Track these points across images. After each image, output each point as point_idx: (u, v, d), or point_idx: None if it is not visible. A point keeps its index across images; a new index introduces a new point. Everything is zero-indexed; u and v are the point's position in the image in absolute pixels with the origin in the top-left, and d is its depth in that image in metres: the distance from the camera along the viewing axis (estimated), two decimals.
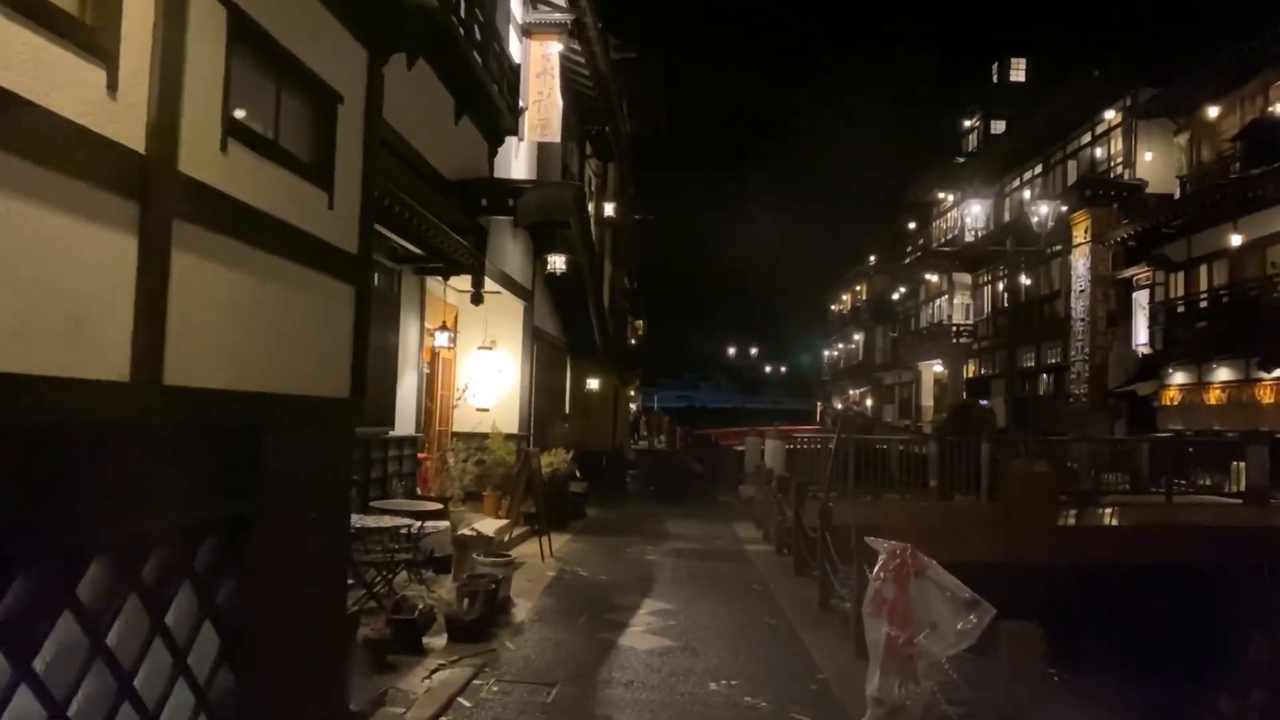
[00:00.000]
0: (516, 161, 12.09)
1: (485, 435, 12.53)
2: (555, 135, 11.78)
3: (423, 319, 10.28)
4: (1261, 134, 19.15)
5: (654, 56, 22.58)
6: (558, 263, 12.34)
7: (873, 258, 51.43)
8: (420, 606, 6.88)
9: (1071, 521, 14.72)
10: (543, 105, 11.59)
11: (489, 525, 9.91)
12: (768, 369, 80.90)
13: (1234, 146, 21.72)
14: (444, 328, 10.17)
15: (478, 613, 7.19)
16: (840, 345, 60.53)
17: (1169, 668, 12.13)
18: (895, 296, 45.22)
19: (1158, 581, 13.58)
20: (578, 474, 16.91)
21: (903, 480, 16.25)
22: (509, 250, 11.96)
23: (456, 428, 12.85)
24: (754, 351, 73.74)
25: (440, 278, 10.18)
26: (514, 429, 12.87)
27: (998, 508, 15.02)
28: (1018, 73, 38.32)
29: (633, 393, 50.02)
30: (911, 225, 43.49)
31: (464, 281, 11.87)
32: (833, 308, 62.43)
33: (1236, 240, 20.22)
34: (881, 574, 4.94)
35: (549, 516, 10.91)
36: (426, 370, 12.11)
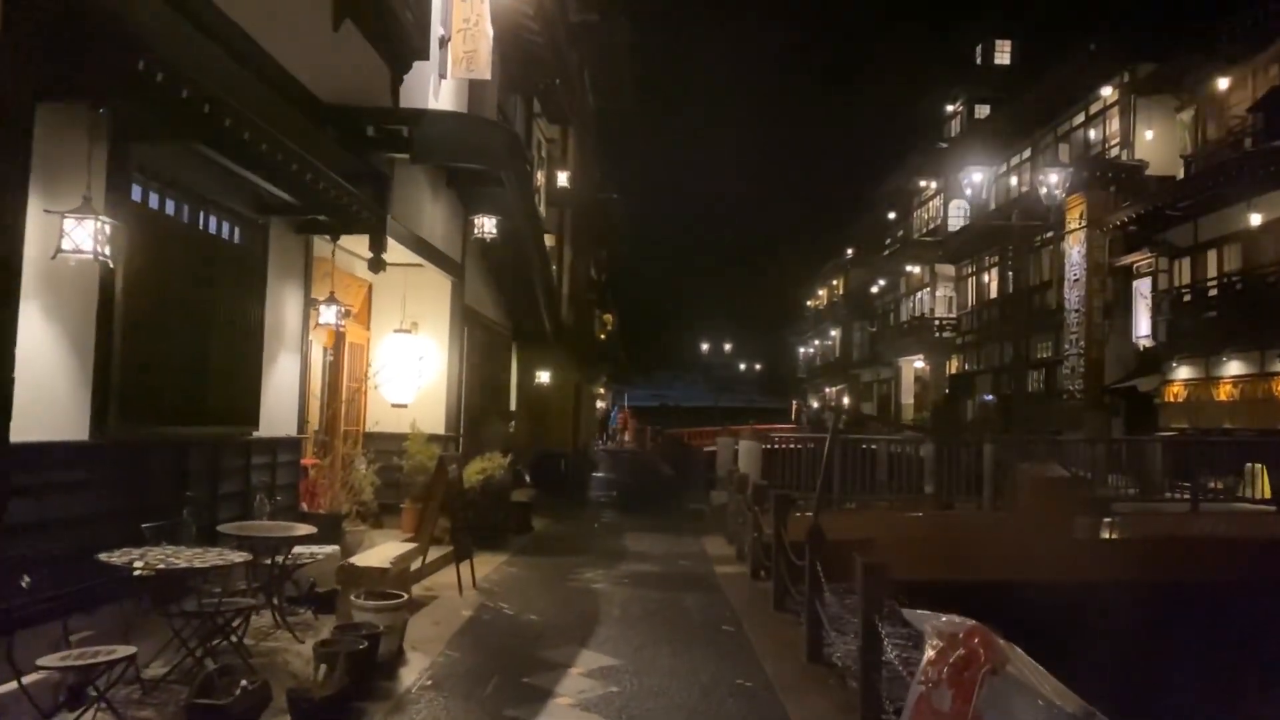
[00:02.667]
0: (437, 104, 9.98)
1: (404, 436, 10.44)
2: (485, 71, 9.69)
3: (308, 290, 8.17)
4: None
5: (618, 23, 20.58)
6: (487, 225, 10.23)
7: (850, 250, 49.76)
8: (245, 683, 4.79)
9: (1090, 534, 12.87)
10: (470, 35, 9.51)
11: (391, 550, 7.82)
12: (742, 366, 78.99)
13: (1247, 120, 20.04)
14: (332, 300, 8.05)
15: (337, 685, 5.12)
16: (816, 342, 58.80)
17: (1198, 696, 10.46)
18: (874, 290, 43.53)
19: (1184, 601, 11.86)
20: (527, 479, 14.85)
21: (893, 486, 14.37)
22: (427, 210, 9.87)
23: (371, 427, 10.75)
24: (728, 348, 71.76)
25: (331, 238, 8.07)
26: (439, 429, 10.78)
27: (1005, 518, 13.15)
28: (1003, 55, 36.64)
29: (602, 390, 48.01)
30: (891, 215, 41.80)
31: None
32: (809, 303, 60.74)
33: (1256, 220, 18.48)
34: (933, 672, 2.92)
35: (470, 537, 8.83)
36: (330, 357, 10.00)
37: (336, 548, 7.74)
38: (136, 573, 4.95)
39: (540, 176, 14.13)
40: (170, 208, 6.01)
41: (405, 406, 10.38)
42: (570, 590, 8.93)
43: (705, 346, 71.85)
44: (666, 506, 18.14)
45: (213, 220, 6.56)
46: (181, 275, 6.18)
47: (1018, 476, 12.98)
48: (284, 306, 7.76)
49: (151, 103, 4.85)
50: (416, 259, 10.09)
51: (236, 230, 6.92)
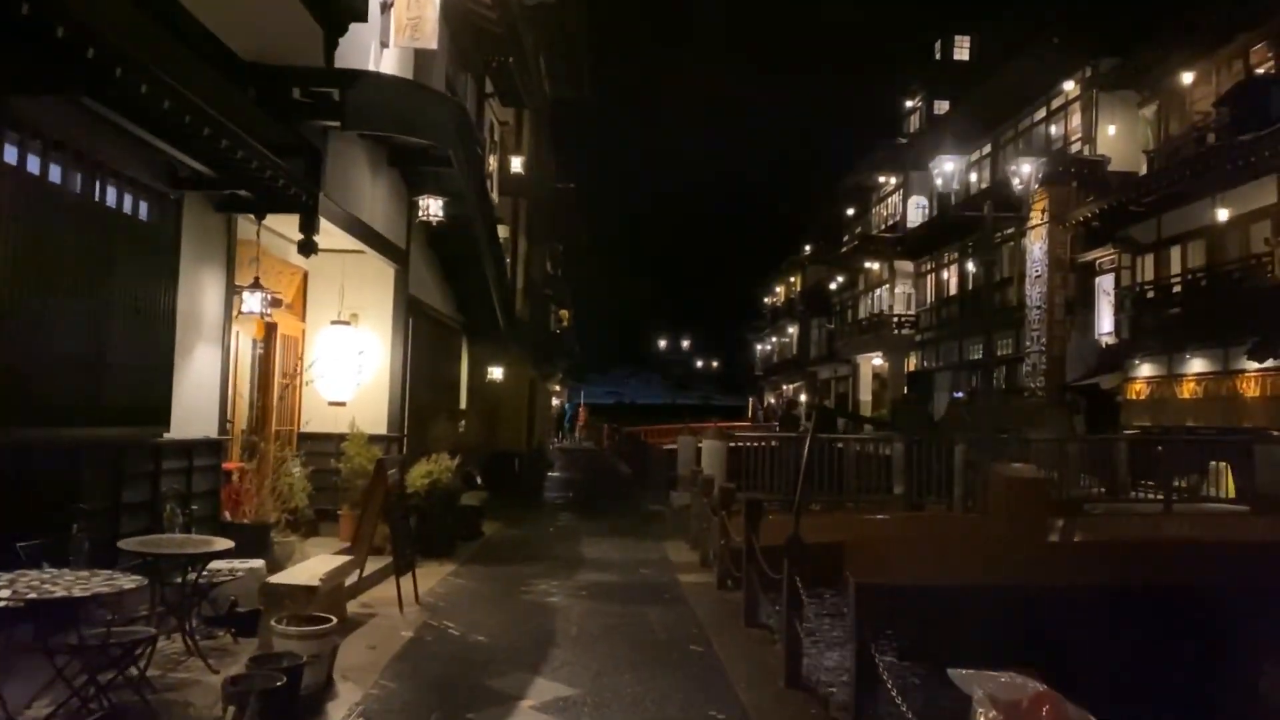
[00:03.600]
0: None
1: (342, 437, 9.63)
2: (431, 40, 8.90)
3: (230, 275, 7.34)
4: (1251, 97, 17.14)
5: (575, 7, 19.83)
6: (433, 207, 9.44)
7: (808, 247, 49.45)
8: None
9: (1063, 535, 12.44)
10: (414, 1, 8.72)
11: (322, 565, 7.04)
12: (699, 364, 78.56)
13: (1210, 116, 19.83)
14: (256, 286, 7.23)
15: None
16: (774, 339, 58.48)
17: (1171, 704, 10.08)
18: (832, 286, 43.23)
19: (1155, 605, 11.47)
20: (478, 481, 14.07)
21: (860, 486, 13.83)
22: (366, 191, 9.08)
23: (306, 427, 9.92)
24: (685, 345, 71.25)
25: (255, 217, 7.26)
26: (381, 428, 9.99)
27: (976, 519, 12.67)
28: (962, 51, 36.49)
29: (558, 387, 47.20)
30: (850, 211, 41.53)
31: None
32: (766, 300, 60.40)
33: (1223, 215, 18.24)
34: None
35: (413, 547, 8.06)
36: (260, 351, 9.18)
37: (261, 562, 6.94)
38: (1, 604, 4.16)
39: (492, 161, 13.37)
40: (56, 174, 5.18)
41: (344, 405, 9.58)
42: (523, 605, 8.20)
43: (663, 343, 71.24)
44: (625, 508, 17.46)
45: (111, 191, 5.73)
46: (71, 254, 5.36)
47: (990, 477, 12.49)
48: (202, 293, 6.94)
49: (21, 40, 4.04)
50: (356, 244, 9.29)
51: (143, 205, 6.09)
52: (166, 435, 6.38)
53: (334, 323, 9.54)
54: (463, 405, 14.07)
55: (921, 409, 27.77)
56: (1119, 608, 11.42)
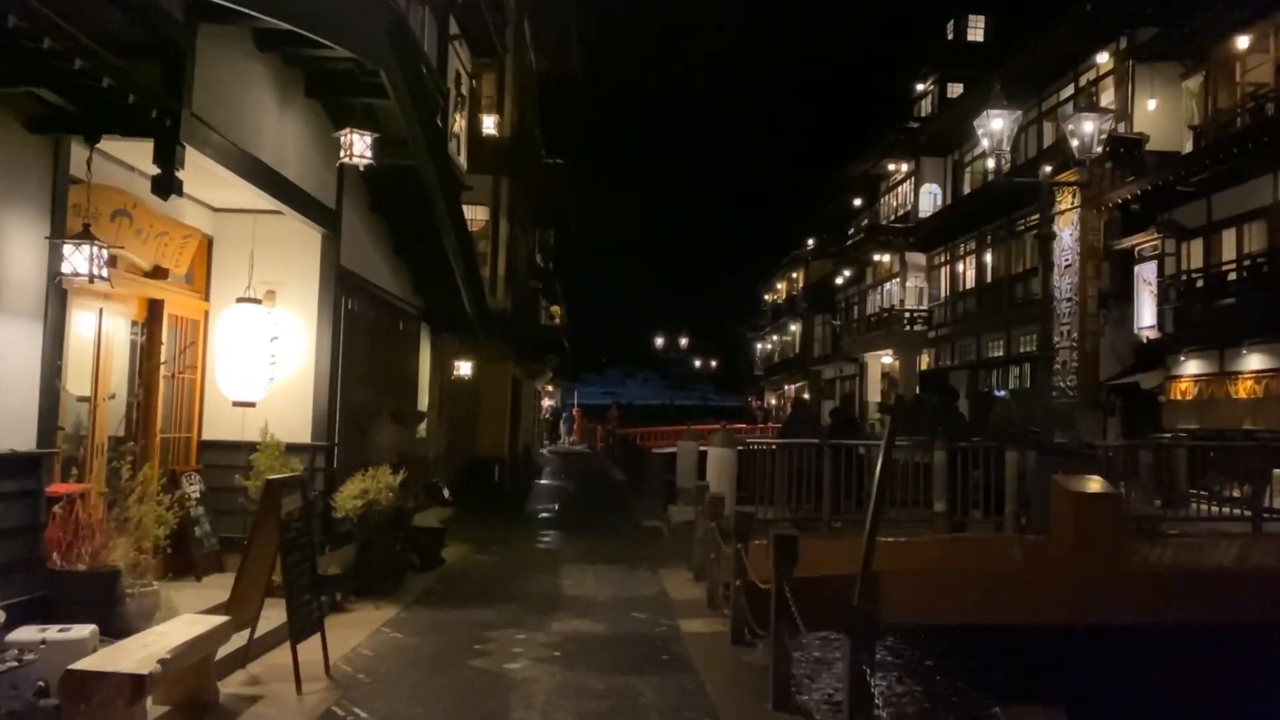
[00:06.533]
0: None
1: (253, 446, 7.55)
2: None
3: (59, 226, 5.23)
4: None
5: None
6: (358, 145, 7.28)
7: (811, 240, 47.46)
8: None
9: (1145, 564, 10.38)
10: None
11: (184, 629, 4.98)
12: (697, 363, 76.27)
13: (1271, 84, 17.86)
14: (85, 237, 5.09)
15: None
16: (775, 337, 56.42)
17: None
18: (838, 282, 41.24)
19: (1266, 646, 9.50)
20: (445, 494, 12.02)
21: (892, 501, 11.76)
22: (272, 126, 7.03)
23: (207, 434, 7.84)
24: (684, 344, 68.94)
25: (85, 139, 5.16)
26: (303, 435, 7.92)
27: (1037, 543, 10.58)
28: (976, 31, 34.57)
29: (549, 387, 45.13)
30: (857, 202, 39.55)
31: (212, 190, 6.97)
32: (767, 297, 58.36)
33: None
34: None
35: (319, 598, 5.98)
36: (140, 336, 7.10)
37: (91, 628, 4.86)
38: None
39: (460, 120, 11.30)
40: None
41: (252, 405, 7.50)
42: (473, 677, 6.10)
43: (660, 342, 69.02)
44: (617, 523, 15.37)
45: None
46: None
47: (1053, 492, 10.41)
48: (7, 250, 4.86)
49: None
50: (269, 202, 7.23)
51: None
52: None
53: (240, 300, 7.45)
54: (423, 406, 11.99)
55: (954, 409, 25.69)
56: (1195, 649, 9.47)
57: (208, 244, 7.90)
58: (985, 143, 11.37)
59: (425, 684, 5.86)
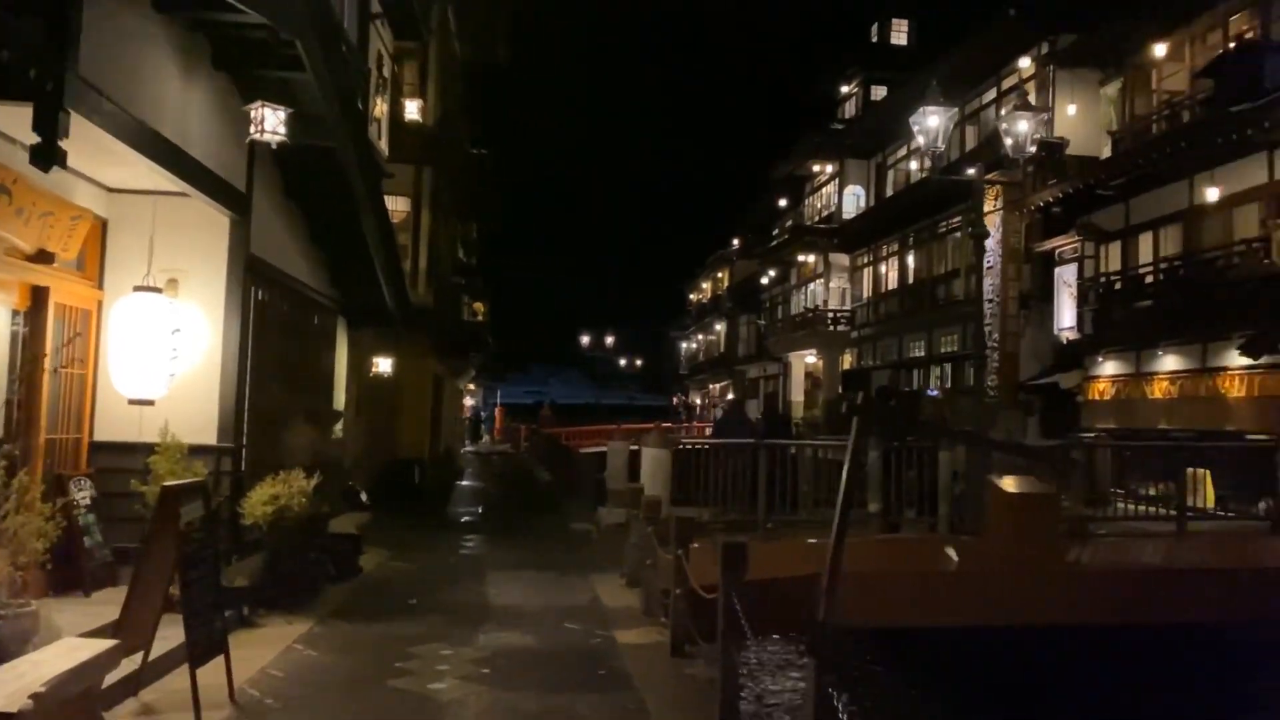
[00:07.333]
0: None
1: (151, 448, 6.91)
2: None
3: None
4: (1241, 66, 15.44)
5: None
6: (270, 120, 6.72)
7: (737, 241, 47.52)
8: None
9: (1080, 564, 10.38)
10: None
11: (64, 656, 4.40)
12: (623, 362, 75.91)
13: (1183, 92, 18.28)
14: None
15: None
16: (700, 337, 56.45)
17: None
18: (763, 282, 41.35)
19: (1167, 647, 9.60)
20: (363, 498, 11.42)
21: (821, 501, 11.56)
22: (175, 97, 6.43)
23: (100, 435, 7.17)
24: (609, 343, 68.45)
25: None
26: (208, 437, 7.30)
27: (973, 544, 10.49)
28: (900, 35, 34.98)
29: (471, 386, 44.29)
30: (782, 202, 39.70)
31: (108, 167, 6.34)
32: (693, 297, 58.37)
33: (1203, 197, 16.62)
34: None
35: (222, 616, 5.43)
36: (23, 327, 6.42)
37: None
38: None
39: (381, 104, 10.72)
40: None
41: (151, 403, 6.86)
42: (393, 700, 5.61)
43: (586, 341, 68.43)
44: (545, 526, 14.90)
45: None
46: None
47: (988, 492, 10.34)
48: None
49: None
50: (172, 182, 6.62)
51: None
52: None
53: (138, 289, 6.81)
54: (340, 405, 11.36)
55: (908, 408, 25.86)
56: (1138, 646, 9.48)
57: (101, 227, 7.22)
58: (921, 139, 11.25)
59: (341, 708, 5.36)
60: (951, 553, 10.33)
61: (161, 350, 6.86)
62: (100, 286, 7.25)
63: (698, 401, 55.59)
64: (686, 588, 6.57)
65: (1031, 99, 22.69)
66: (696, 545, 7.17)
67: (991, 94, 24.90)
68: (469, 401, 45.27)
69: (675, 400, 61.76)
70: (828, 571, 4.21)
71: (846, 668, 3.91)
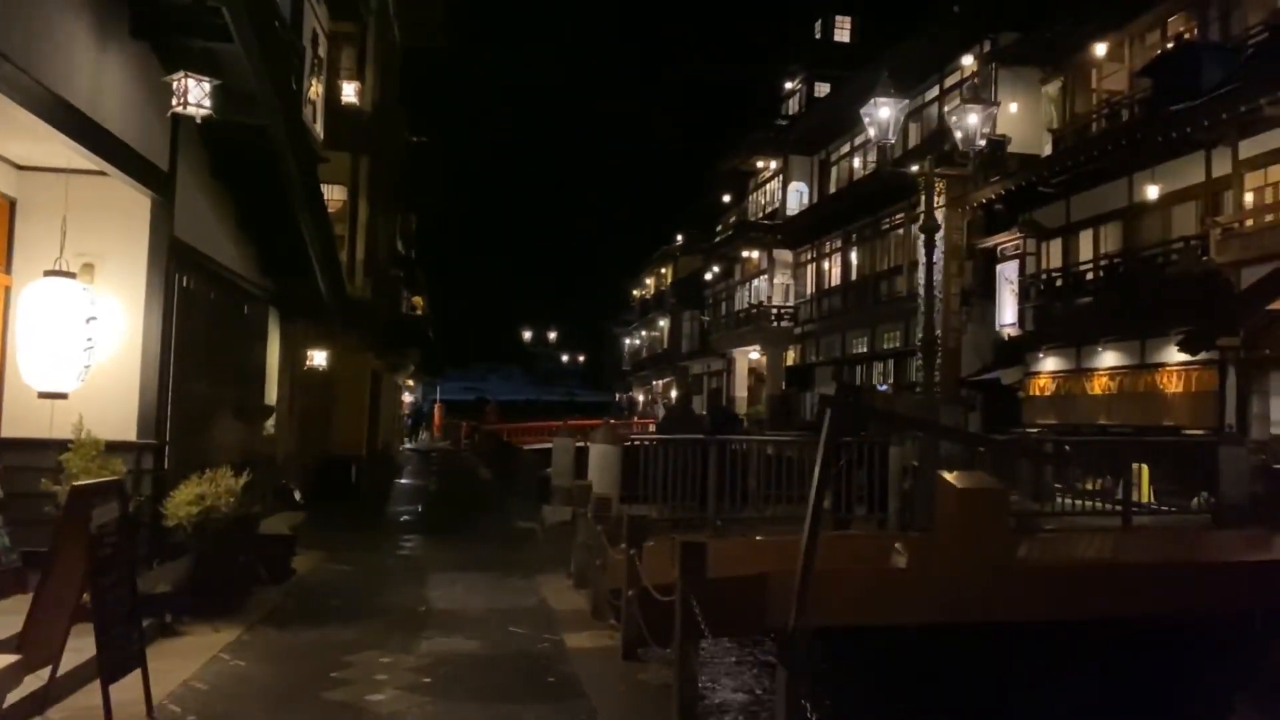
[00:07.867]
0: None
1: (65, 445, 6.41)
2: None
3: None
4: (1179, 66, 15.66)
5: None
6: (194, 93, 6.24)
7: (681, 236, 47.40)
8: None
9: (1030, 560, 10.34)
10: None
11: None
12: (565, 359, 75.33)
13: (1122, 92, 18.55)
14: None
15: None
16: (643, 333, 56.25)
17: None
18: (707, 278, 41.29)
19: (1109, 638, 9.61)
20: (296, 497, 10.93)
21: (769, 498, 11.39)
22: (89, 65, 5.96)
23: (7, 431, 6.65)
24: (550, 339, 67.86)
25: None
26: (127, 433, 6.82)
27: (923, 541, 10.39)
28: (843, 32, 35.12)
29: (410, 382, 43.50)
30: (726, 198, 39.64)
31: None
32: (636, 293, 58.12)
33: (1142, 195, 16.85)
34: None
35: (139, 627, 5.01)
36: None
37: None
38: None
39: (317, 85, 10.24)
40: None
41: (64, 397, 6.36)
42: (328, 713, 5.23)
43: (527, 336, 67.78)
44: (487, 525, 14.51)
45: None
46: None
47: (938, 488, 10.25)
48: None
49: None
50: (87, 159, 6.13)
51: None
52: None
53: (49, 274, 6.29)
54: (272, 399, 10.85)
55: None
56: (1087, 643, 9.46)
57: (10, 207, 6.68)
58: (872, 131, 11.10)
59: (275, 716, 4.97)
60: (901, 549, 10.21)
61: (75, 340, 6.35)
62: (8, 271, 6.71)
63: (640, 398, 55.41)
64: (639, 588, 6.29)
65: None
66: (651, 544, 6.90)
67: (934, 91, 25.09)
68: (408, 398, 44.47)
69: (618, 396, 61.54)
70: (799, 578, 3.95)
71: (817, 674, 3.69)
